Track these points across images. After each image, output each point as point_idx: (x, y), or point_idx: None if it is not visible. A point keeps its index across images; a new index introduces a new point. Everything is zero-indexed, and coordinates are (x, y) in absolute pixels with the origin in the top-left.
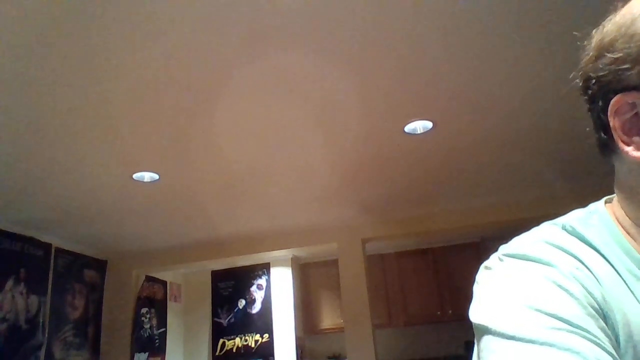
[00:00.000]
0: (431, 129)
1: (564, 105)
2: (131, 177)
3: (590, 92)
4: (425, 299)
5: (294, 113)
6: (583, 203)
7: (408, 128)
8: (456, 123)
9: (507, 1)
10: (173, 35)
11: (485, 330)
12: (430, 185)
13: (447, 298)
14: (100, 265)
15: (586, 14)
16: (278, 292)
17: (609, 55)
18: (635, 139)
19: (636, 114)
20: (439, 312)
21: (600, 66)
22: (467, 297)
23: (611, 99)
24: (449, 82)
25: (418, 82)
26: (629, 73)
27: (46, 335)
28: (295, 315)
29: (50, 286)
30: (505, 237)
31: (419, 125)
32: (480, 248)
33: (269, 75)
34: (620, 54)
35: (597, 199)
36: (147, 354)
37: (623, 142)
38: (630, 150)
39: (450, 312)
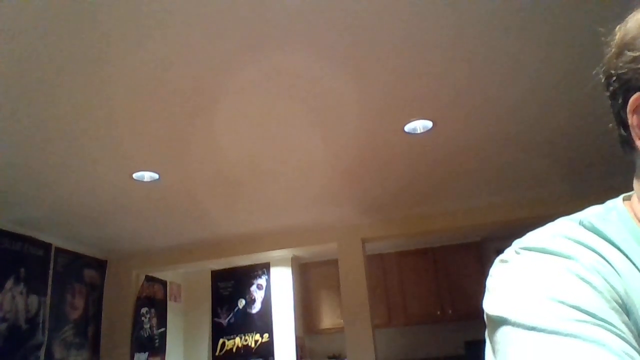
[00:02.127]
0: (431, 128)
1: (564, 105)
2: (131, 176)
3: (611, 88)
4: (425, 298)
5: (294, 113)
6: (583, 203)
7: (408, 127)
8: (456, 123)
9: (507, 1)
10: (173, 36)
11: (503, 322)
12: (430, 185)
13: (447, 298)
14: (100, 265)
15: (587, 14)
16: (278, 292)
17: (629, 53)
18: None
19: None
20: (438, 312)
21: (621, 64)
22: (467, 297)
23: (630, 97)
24: (449, 82)
25: (418, 82)
26: None
27: (46, 335)
28: (295, 315)
29: (50, 286)
30: (506, 236)
31: (419, 125)
32: (480, 248)
33: (269, 75)
34: (638, 53)
35: (597, 198)
36: (147, 353)
37: None
38: None
39: (450, 312)
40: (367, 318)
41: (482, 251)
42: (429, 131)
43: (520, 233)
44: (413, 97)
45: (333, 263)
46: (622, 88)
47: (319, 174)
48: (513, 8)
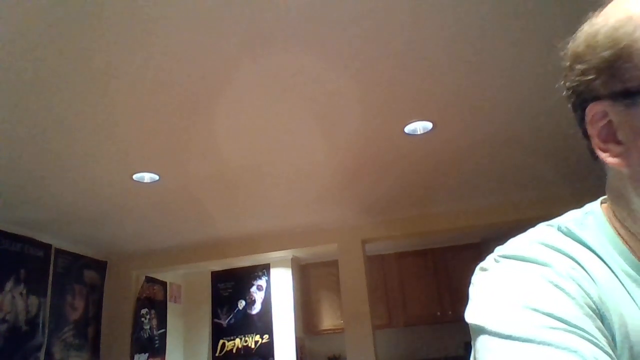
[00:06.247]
0: (431, 129)
1: (564, 106)
2: (131, 177)
3: (572, 100)
4: (425, 299)
5: (294, 113)
6: (582, 203)
7: (408, 128)
8: (456, 123)
9: (507, 2)
10: (173, 36)
11: (481, 330)
12: (430, 186)
13: (446, 299)
14: (100, 266)
15: (587, 14)
16: (278, 292)
17: (578, 66)
18: (610, 145)
19: (609, 121)
20: (438, 313)
21: (573, 77)
22: (467, 298)
23: (586, 108)
24: (449, 82)
25: (418, 82)
26: (594, 83)
27: (46, 336)
28: (295, 316)
29: (50, 287)
30: (505, 238)
31: (419, 126)
32: (480, 249)
33: (269, 75)
34: (586, 65)
35: (597, 199)
36: (147, 354)
37: (600, 149)
38: (606, 156)
39: (450, 312)
40: (367, 319)
41: (482, 252)
42: (429, 132)
43: (519, 234)
44: (413, 98)
45: (333, 264)
46: (578, 100)
47: (319, 174)
48: (514, 8)
